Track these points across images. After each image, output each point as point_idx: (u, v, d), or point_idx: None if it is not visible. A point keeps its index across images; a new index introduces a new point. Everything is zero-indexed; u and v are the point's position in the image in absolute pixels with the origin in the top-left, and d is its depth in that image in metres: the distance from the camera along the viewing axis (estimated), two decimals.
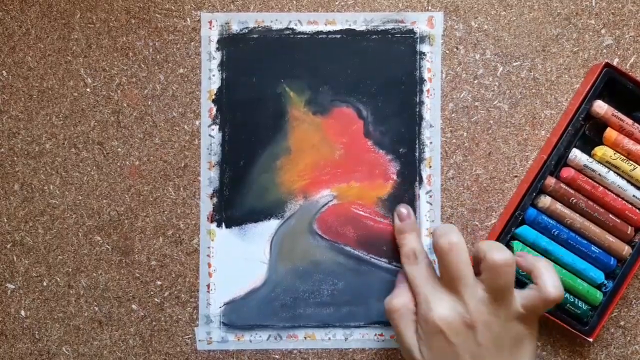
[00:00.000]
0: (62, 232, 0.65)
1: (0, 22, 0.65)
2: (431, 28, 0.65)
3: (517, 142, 0.65)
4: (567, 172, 0.62)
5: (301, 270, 0.65)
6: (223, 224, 0.65)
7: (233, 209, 0.65)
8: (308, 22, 0.65)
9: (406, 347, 0.57)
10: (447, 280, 0.56)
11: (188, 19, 0.65)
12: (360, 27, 0.65)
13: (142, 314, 0.65)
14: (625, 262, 0.62)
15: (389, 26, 0.65)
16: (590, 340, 0.61)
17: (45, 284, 0.65)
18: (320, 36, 0.65)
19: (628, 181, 0.62)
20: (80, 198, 0.65)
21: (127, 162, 0.65)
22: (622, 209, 0.62)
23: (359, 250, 0.65)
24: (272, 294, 0.65)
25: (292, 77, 0.65)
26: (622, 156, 0.62)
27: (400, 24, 0.65)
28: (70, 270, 0.65)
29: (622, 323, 0.64)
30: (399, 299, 0.59)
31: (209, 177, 0.65)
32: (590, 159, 0.62)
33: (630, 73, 0.63)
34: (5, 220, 0.65)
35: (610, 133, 0.62)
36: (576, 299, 0.62)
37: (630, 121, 0.62)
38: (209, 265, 0.65)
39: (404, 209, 0.63)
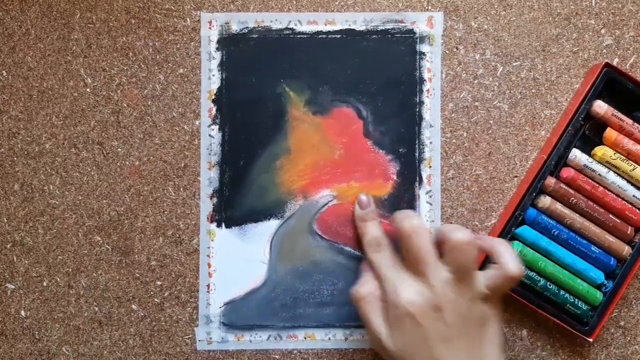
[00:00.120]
0: (62, 232, 0.65)
1: (0, 22, 0.65)
2: (431, 28, 0.65)
3: (517, 142, 0.65)
4: (567, 172, 0.62)
5: (301, 270, 0.65)
6: (223, 224, 0.65)
7: (233, 209, 0.65)
8: (308, 22, 0.65)
9: (375, 334, 0.58)
10: (411, 263, 0.57)
11: (188, 19, 0.65)
12: (360, 27, 0.65)
13: (142, 314, 0.65)
14: (625, 262, 0.62)
15: (389, 26, 0.65)
16: (590, 340, 0.61)
17: (45, 284, 0.65)
18: (320, 36, 0.65)
19: (628, 181, 0.62)
20: (80, 198, 0.65)
21: (127, 162, 0.65)
22: (622, 209, 0.62)
23: (358, 250, 0.65)
24: (272, 294, 0.65)
25: (292, 77, 0.65)
26: (622, 156, 0.62)
27: (400, 24, 0.65)
28: (70, 270, 0.65)
29: (622, 323, 0.64)
30: (365, 287, 0.59)
31: (208, 177, 0.65)
32: (590, 159, 0.62)
33: (630, 73, 0.63)
34: (5, 220, 0.65)
35: (610, 133, 0.62)
36: (576, 299, 0.62)
37: (630, 121, 0.62)
38: (209, 265, 0.65)
39: (364, 197, 0.63)
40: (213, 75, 0.65)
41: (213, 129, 0.65)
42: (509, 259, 0.56)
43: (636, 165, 0.62)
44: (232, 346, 0.65)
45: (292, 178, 0.65)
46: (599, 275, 0.62)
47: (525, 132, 0.65)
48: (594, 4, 0.65)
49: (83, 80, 0.65)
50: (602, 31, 0.65)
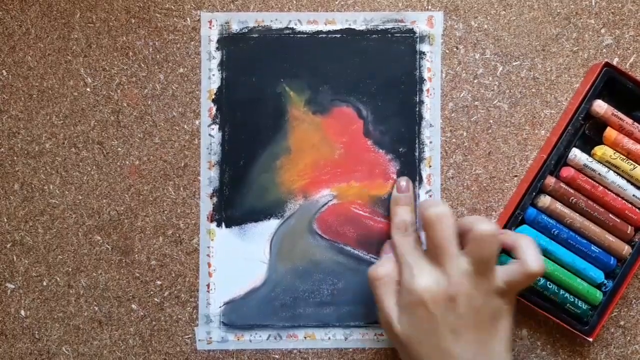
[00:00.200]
0: (62, 232, 0.65)
1: (0, 21, 0.65)
2: (431, 28, 0.65)
3: (517, 141, 0.65)
4: (567, 172, 0.62)
5: (301, 270, 0.65)
6: (223, 223, 0.65)
7: (233, 208, 0.65)
8: (308, 22, 0.65)
9: (385, 316, 0.58)
10: (432, 251, 0.57)
11: (188, 19, 0.65)
12: (360, 26, 0.65)
13: (142, 313, 0.65)
14: (625, 261, 0.62)
15: (389, 26, 0.65)
16: (590, 340, 0.61)
17: (45, 283, 0.65)
18: (320, 36, 0.65)
19: (628, 181, 0.62)
20: (80, 198, 0.65)
21: (127, 162, 0.65)
22: (622, 209, 0.62)
23: (358, 250, 0.65)
24: (272, 294, 0.65)
25: (292, 77, 0.65)
26: (622, 156, 0.62)
27: (400, 23, 0.65)
28: (70, 270, 0.65)
29: (622, 323, 0.64)
30: (383, 268, 0.59)
31: (208, 176, 0.65)
32: (590, 159, 0.62)
33: (630, 72, 0.63)
34: (5, 220, 0.65)
35: (610, 132, 0.62)
36: (576, 299, 0.62)
37: (630, 120, 0.62)
38: (209, 265, 0.65)
39: (403, 182, 0.64)
40: (213, 74, 0.65)
41: (213, 129, 0.65)
42: (531, 255, 0.55)
43: (636, 165, 0.62)
44: (232, 346, 0.65)
45: (292, 178, 0.65)
46: (598, 275, 0.62)
47: (525, 131, 0.65)
48: (593, 4, 0.65)
49: (83, 79, 0.65)
50: (602, 31, 0.65)
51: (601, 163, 0.62)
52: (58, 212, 0.65)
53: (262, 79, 0.65)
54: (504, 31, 0.65)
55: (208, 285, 0.65)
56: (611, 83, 0.62)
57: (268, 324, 0.65)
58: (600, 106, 0.61)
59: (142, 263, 0.65)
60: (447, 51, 0.65)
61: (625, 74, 0.62)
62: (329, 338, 0.65)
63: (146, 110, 0.65)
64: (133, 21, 0.65)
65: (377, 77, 0.65)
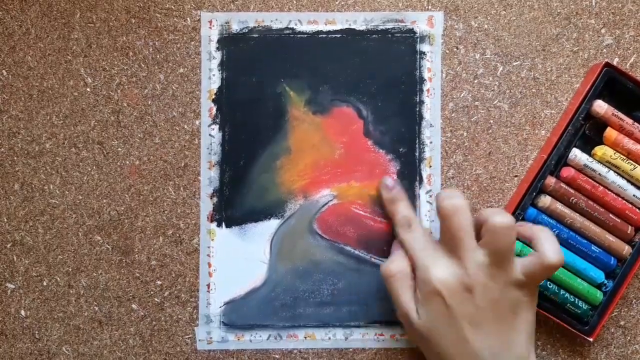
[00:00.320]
0: (62, 232, 0.65)
1: (0, 21, 0.65)
2: (431, 28, 0.65)
3: (517, 141, 0.65)
4: (567, 172, 0.62)
5: (301, 270, 0.65)
6: (223, 223, 0.65)
7: (233, 208, 0.65)
8: (308, 22, 0.65)
9: (403, 311, 0.58)
10: (448, 243, 0.57)
11: (188, 19, 0.65)
12: (360, 26, 0.65)
13: (142, 313, 0.65)
14: (626, 261, 0.62)
15: (389, 26, 0.65)
16: (591, 340, 0.61)
17: (45, 283, 0.65)
18: (320, 36, 0.65)
19: (628, 181, 0.62)
20: (80, 198, 0.65)
21: (127, 162, 0.65)
22: (622, 209, 0.62)
23: (359, 250, 0.65)
24: (272, 294, 0.65)
25: (292, 77, 0.65)
26: (622, 156, 0.62)
27: (400, 23, 0.65)
28: (70, 270, 0.65)
29: (622, 323, 0.64)
30: (396, 264, 0.59)
31: (209, 176, 0.65)
32: (590, 159, 0.62)
33: (630, 72, 0.63)
34: (6, 220, 0.65)
35: (610, 133, 0.62)
36: (576, 299, 0.62)
37: (630, 121, 0.62)
38: (209, 265, 0.65)
39: (389, 181, 0.64)
40: (213, 74, 0.65)
41: (213, 129, 0.65)
42: (549, 247, 0.55)
43: (636, 165, 0.62)
44: (232, 346, 0.65)
45: (292, 178, 0.65)
46: (599, 275, 0.62)
47: (526, 131, 0.65)
48: (594, 4, 0.65)
49: (83, 79, 0.65)
50: (602, 31, 0.65)
51: (601, 163, 0.62)
52: (58, 212, 0.65)
53: (263, 79, 0.65)
54: (504, 31, 0.65)
55: (208, 285, 0.65)
56: (611, 83, 0.62)
57: (268, 324, 0.65)
58: (601, 106, 0.61)
59: (142, 263, 0.65)
60: (448, 51, 0.65)
61: (625, 74, 0.62)
62: (329, 338, 0.65)
63: (146, 110, 0.65)
64: (133, 21, 0.65)
65: (378, 77, 0.65)
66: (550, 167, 0.62)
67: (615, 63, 0.64)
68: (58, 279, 0.65)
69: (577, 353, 0.64)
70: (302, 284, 0.65)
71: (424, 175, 0.65)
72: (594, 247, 0.62)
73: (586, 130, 0.63)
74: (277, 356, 0.65)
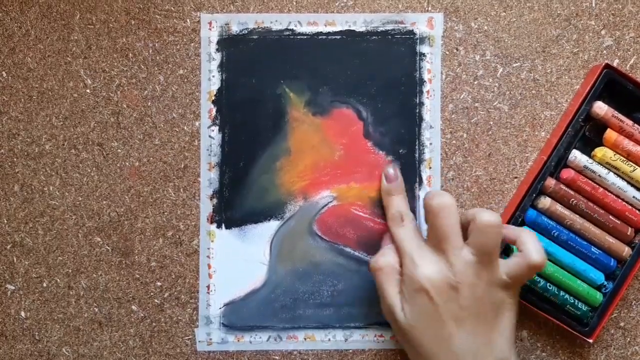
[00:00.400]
0: (62, 233, 0.65)
1: (0, 22, 0.65)
2: (431, 29, 0.65)
3: (517, 143, 0.65)
4: (567, 173, 0.62)
5: (301, 271, 0.65)
6: (223, 225, 0.65)
7: (233, 210, 0.65)
8: (308, 23, 0.65)
9: (388, 306, 0.58)
10: (435, 241, 0.57)
11: (188, 20, 0.65)
12: (360, 28, 0.65)
13: (142, 315, 0.65)
14: (625, 263, 0.62)
15: (389, 27, 0.65)
16: (590, 341, 0.62)
17: (45, 285, 0.65)
18: (320, 37, 0.65)
19: (628, 182, 0.62)
20: (80, 199, 0.65)
21: (127, 163, 0.65)
22: (622, 210, 0.62)
23: (358, 252, 0.65)
24: (272, 295, 0.65)
25: (291, 78, 0.65)
26: (622, 157, 0.62)
27: (400, 25, 0.65)
28: (70, 271, 0.65)
29: (622, 324, 0.64)
30: (385, 258, 0.59)
31: (208, 178, 0.65)
32: (590, 160, 0.62)
33: (630, 74, 0.63)
34: (5, 221, 0.65)
35: (610, 134, 0.62)
36: (576, 300, 0.62)
37: (630, 122, 0.62)
38: (209, 266, 0.65)
39: (391, 170, 0.64)
40: (213, 76, 0.65)
41: (213, 130, 0.65)
42: (532, 247, 0.55)
43: (636, 167, 0.62)
44: (232, 347, 0.65)
45: (292, 179, 0.65)
46: (599, 276, 0.62)
47: (525, 133, 0.65)
48: (594, 5, 0.65)
49: (83, 81, 0.65)
50: (602, 32, 0.65)
51: (601, 165, 0.62)
52: (58, 214, 0.65)
53: (262, 81, 0.65)
54: (504, 32, 0.65)
55: (208, 287, 0.65)
56: (611, 84, 0.62)
57: (268, 325, 0.65)
58: (601, 108, 0.61)
59: (142, 264, 0.65)
60: (447, 52, 0.65)
61: (625, 75, 0.62)
62: (329, 339, 0.65)
63: (146, 112, 0.65)
64: (133, 23, 0.65)
65: (377, 78, 0.65)
66: (550, 169, 0.62)
67: (615, 64, 0.64)
68: (58, 280, 0.65)
69: (576, 354, 0.64)
70: (302, 285, 0.65)
71: (424, 176, 0.65)
72: (593, 249, 0.62)
73: (586, 132, 0.63)
74: (277, 357, 0.65)
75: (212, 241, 0.65)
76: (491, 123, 0.65)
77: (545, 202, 0.61)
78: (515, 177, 0.65)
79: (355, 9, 0.65)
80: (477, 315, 0.55)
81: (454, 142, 0.65)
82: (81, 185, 0.65)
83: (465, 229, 0.57)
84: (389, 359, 0.65)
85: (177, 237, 0.65)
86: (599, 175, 0.62)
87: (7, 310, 0.65)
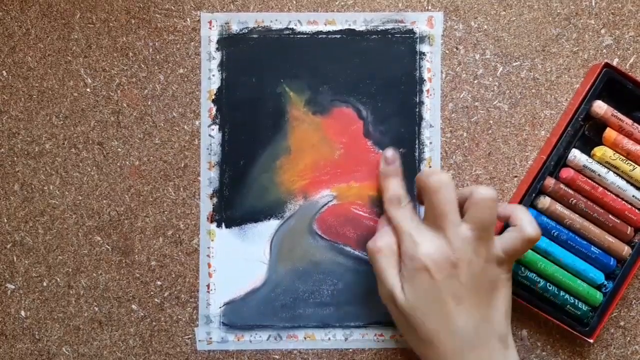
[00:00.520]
0: (62, 232, 0.65)
1: (0, 22, 0.66)
2: (431, 28, 0.65)
3: (517, 142, 0.65)
4: (566, 173, 0.62)
5: (301, 270, 0.65)
6: (223, 224, 0.65)
7: (233, 209, 0.65)
8: (308, 22, 0.66)
9: (387, 287, 0.58)
10: (433, 219, 0.57)
11: (188, 19, 0.65)
12: (360, 27, 0.65)
13: (142, 314, 0.65)
14: (625, 262, 0.62)
15: (389, 26, 0.65)
16: (591, 341, 0.62)
17: (45, 284, 0.65)
18: (320, 36, 0.66)
19: (628, 181, 0.62)
20: (80, 198, 0.65)
21: (127, 162, 0.65)
22: (621, 210, 0.62)
23: (358, 251, 0.65)
24: (272, 294, 0.65)
25: (291, 77, 0.66)
26: (621, 156, 0.62)
27: (400, 24, 0.65)
28: (70, 270, 0.65)
29: (622, 323, 0.65)
30: (382, 240, 0.59)
31: (208, 177, 0.65)
32: (590, 160, 0.62)
33: (629, 73, 0.63)
34: (5, 221, 0.65)
35: (609, 133, 0.62)
36: (576, 300, 0.62)
37: (629, 121, 0.62)
38: (209, 265, 0.65)
39: (390, 153, 0.63)
40: (213, 75, 0.65)
41: (213, 129, 0.65)
42: (527, 221, 0.56)
43: (636, 166, 0.62)
44: (232, 346, 0.65)
45: (292, 178, 0.66)
46: (598, 276, 0.62)
47: (525, 132, 0.65)
48: (593, 4, 0.65)
49: (83, 80, 0.65)
50: (602, 31, 0.65)
51: (601, 164, 0.62)
52: (58, 213, 0.65)
53: (262, 80, 0.66)
54: (504, 32, 0.65)
55: (208, 286, 0.65)
56: (611, 84, 0.62)
57: (268, 325, 0.65)
58: (600, 107, 0.62)
59: (142, 263, 0.65)
60: (447, 52, 0.65)
61: (625, 74, 0.62)
62: (329, 338, 0.65)
63: (146, 111, 0.65)
64: (133, 22, 0.65)
65: (377, 77, 0.65)
66: (549, 168, 0.62)
67: (615, 63, 0.65)
68: (58, 279, 0.65)
69: (577, 354, 0.65)
70: (302, 284, 0.65)
71: None
72: (593, 248, 0.63)
73: (585, 131, 0.63)
74: (277, 356, 0.65)
75: (212, 240, 0.65)
76: (491, 122, 0.65)
77: (544, 201, 0.61)
78: (515, 176, 0.65)
79: (355, 8, 0.65)
80: (476, 291, 0.56)
81: (453, 141, 0.65)
82: (81, 184, 0.65)
83: (462, 205, 0.57)
84: (389, 358, 0.65)
85: (177, 236, 0.65)
86: (599, 175, 0.62)
87: (7, 310, 0.65)
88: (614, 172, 0.62)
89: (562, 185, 0.62)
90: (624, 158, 0.62)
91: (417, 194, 0.61)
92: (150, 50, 0.65)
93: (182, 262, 0.65)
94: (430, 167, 0.65)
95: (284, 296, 0.65)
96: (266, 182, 0.65)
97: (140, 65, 0.65)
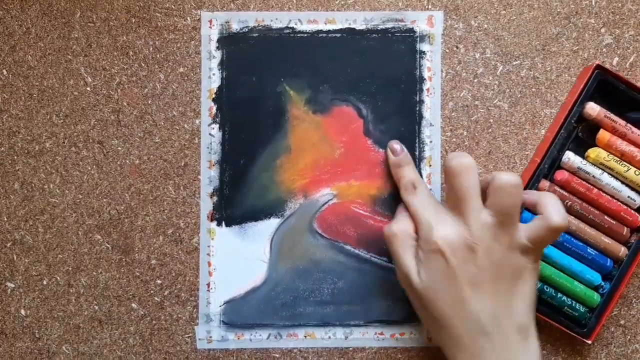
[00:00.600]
0: (62, 231, 0.71)
1: (1, 21, 0.71)
2: (431, 27, 0.71)
3: (517, 141, 0.70)
4: (561, 175, 0.67)
5: (301, 269, 0.70)
6: (223, 222, 0.71)
7: (233, 207, 0.71)
8: (308, 21, 0.71)
9: (404, 271, 0.62)
10: (454, 202, 0.61)
11: (188, 18, 0.71)
12: (360, 26, 0.71)
13: (142, 312, 0.70)
14: (622, 263, 0.67)
15: (389, 25, 0.71)
16: (589, 342, 0.67)
17: (45, 282, 0.71)
18: (320, 35, 0.71)
19: (622, 182, 0.67)
20: (81, 197, 0.71)
21: (127, 161, 0.71)
22: (617, 210, 0.67)
23: (359, 249, 0.71)
24: (272, 293, 0.70)
25: (292, 76, 0.71)
26: (615, 157, 0.67)
27: (400, 23, 0.71)
28: (70, 269, 0.70)
29: (622, 322, 0.70)
30: (399, 224, 0.64)
31: (209, 175, 0.71)
32: (584, 161, 0.67)
33: (621, 74, 0.69)
34: (6, 219, 0.71)
35: (603, 135, 0.67)
36: (574, 302, 0.67)
37: (623, 122, 0.66)
38: (209, 264, 0.71)
39: (396, 145, 0.69)
40: (213, 74, 0.71)
41: (213, 128, 0.71)
42: (553, 209, 0.59)
43: (630, 166, 0.66)
44: (232, 345, 0.70)
45: (292, 177, 0.71)
46: (595, 277, 0.67)
47: (526, 131, 0.70)
48: (593, 3, 0.71)
49: (83, 79, 0.71)
50: (602, 30, 0.71)
51: (595, 165, 0.67)
52: (58, 211, 0.71)
53: (263, 78, 0.71)
54: (504, 30, 0.71)
55: (208, 285, 0.70)
56: (603, 85, 0.67)
57: (268, 323, 0.70)
58: (593, 108, 0.66)
59: (142, 262, 0.71)
60: (447, 50, 0.71)
61: (617, 75, 0.67)
62: (329, 337, 0.70)
63: (146, 110, 0.71)
64: (133, 20, 0.71)
65: (377, 76, 0.71)
66: (543, 171, 0.67)
67: (614, 62, 0.71)
68: (58, 278, 0.71)
69: (577, 353, 0.70)
70: (302, 283, 0.70)
71: (424, 174, 0.71)
72: (589, 250, 0.67)
73: (579, 133, 0.69)
74: (277, 355, 0.71)
75: (213, 239, 0.71)
76: (491, 121, 0.71)
77: None
78: None
79: (355, 7, 0.71)
80: (495, 278, 0.59)
81: (454, 139, 0.71)
82: (81, 183, 0.71)
83: (485, 192, 0.60)
84: (389, 357, 0.71)
85: (177, 234, 0.71)
86: (593, 176, 0.67)
87: (7, 308, 0.71)
88: (609, 174, 0.67)
89: (556, 188, 0.67)
90: (618, 159, 0.67)
91: (445, 178, 0.65)
92: (151, 49, 0.71)
93: (182, 260, 0.71)
94: (430, 165, 0.71)
95: (284, 295, 0.70)
96: (266, 181, 0.71)
97: (140, 64, 0.71)
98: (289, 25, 0.72)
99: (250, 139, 0.72)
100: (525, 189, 0.67)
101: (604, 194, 0.68)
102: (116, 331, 0.71)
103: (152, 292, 0.71)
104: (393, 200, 0.71)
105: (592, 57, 0.71)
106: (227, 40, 0.72)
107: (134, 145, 0.71)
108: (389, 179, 0.71)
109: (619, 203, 0.68)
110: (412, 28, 0.72)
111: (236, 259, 0.72)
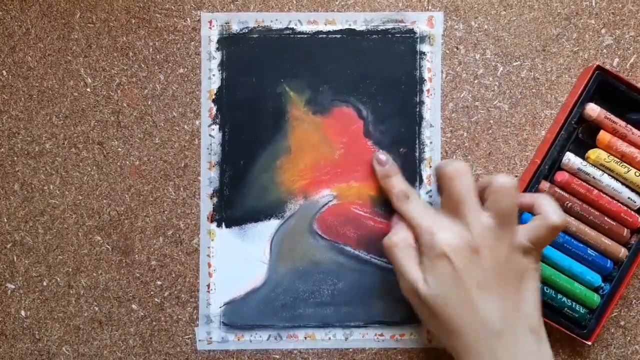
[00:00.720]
0: (62, 232, 0.71)
1: (0, 22, 0.71)
2: (431, 28, 0.71)
3: (518, 142, 0.70)
4: (561, 176, 0.67)
5: (301, 270, 0.71)
6: (223, 223, 0.71)
7: (233, 208, 0.71)
8: (308, 22, 0.71)
9: (410, 280, 0.62)
10: (452, 206, 0.62)
11: (188, 19, 0.71)
12: (360, 27, 0.71)
13: (142, 314, 0.71)
14: (622, 264, 0.67)
15: (389, 26, 0.71)
16: (589, 343, 0.67)
17: (45, 283, 0.71)
18: (320, 36, 0.71)
19: (622, 183, 0.67)
20: (80, 198, 0.71)
21: (127, 162, 0.71)
22: (617, 212, 0.67)
23: (359, 250, 0.71)
24: (272, 294, 0.70)
25: (292, 77, 0.71)
26: (616, 158, 0.67)
27: (400, 23, 0.71)
28: (70, 270, 0.71)
29: (622, 323, 0.70)
30: (398, 235, 0.64)
31: (209, 177, 0.71)
32: (584, 162, 0.67)
33: (621, 75, 0.69)
34: (5, 220, 0.71)
35: (603, 136, 0.67)
36: (574, 303, 0.67)
37: (623, 123, 0.67)
38: (209, 265, 0.71)
39: (382, 155, 0.69)
40: (213, 75, 0.71)
41: (213, 129, 0.71)
42: (550, 209, 0.60)
43: (630, 168, 0.66)
44: (232, 346, 0.70)
45: (292, 178, 0.71)
46: (595, 278, 0.67)
47: (526, 132, 0.70)
48: (594, 4, 0.71)
49: (83, 80, 0.71)
50: (602, 31, 0.71)
51: (595, 166, 0.67)
52: (58, 213, 0.71)
53: (262, 79, 0.71)
54: (504, 31, 0.71)
55: (208, 286, 0.71)
56: (604, 86, 0.67)
57: (268, 324, 0.70)
58: (593, 109, 0.66)
59: (142, 263, 0.71)
60: (448, 51, 0.71)
61: (617, 76, 0.67)
62: (329, 338, 0.71)
63: (146, 111, 0.71)
64: (133, 21, 0.71)
65: (377, 77, 0.71)
66: (544, 172, 0.67)
67: (615, 63, 0.71)
68: (58, 279, 0.71)
69: (577, 353, 0.70)
70: (302, 284, 0.71)
71: (424, 175, 0.71)
72: (590, 251, 0.67)
73: (579, 134, 0.69)
74: (277, 356, 0.71)
75: (213, 240, 0.71)
76: (491, 122, 0.71)
77: None
78: (516, 176, 0.70)
79: (355, 7, 0.71)
80: (501, 280, 0.59)
81: (454, 140, 0.71)
82: (81, 184, 0.71)
83: (481, 194, 0.61)
84: (389, 358, 0.71)
85: (178, 236, 0.71)
86: (593, 177, 0.67)
87: (7, 310, 0.71)
88: (609, 175, 0.67)
89: (557, 189, 0.67)
90: (619, 160, 0.67)
91: (437, 186, 0.65)
92: (151, 50, 0.71)
93: (182, 261, 0.71)
94: (431, 166, 0.71)
95: (284, 296, 0.70)
96: (266, 182, 0.71)
97: (140, 65, 0.71)
98: (289, 26, 0.72)
99: (250, 140, 0.72)
100: (525, 190, 0.68)
101: (604, 195, 0.68)
102: (116, 332, 0.71)
103: (152, 293, 0.71)
104: None
105: (593, 58, 0.71)
106: (227, 41, 0.72)
107: (134, 146, 0.72)
108: None
109: (619, 204, 0.68)
110: (412, 29, 0.72)
111: (236, 260, 0.72)
